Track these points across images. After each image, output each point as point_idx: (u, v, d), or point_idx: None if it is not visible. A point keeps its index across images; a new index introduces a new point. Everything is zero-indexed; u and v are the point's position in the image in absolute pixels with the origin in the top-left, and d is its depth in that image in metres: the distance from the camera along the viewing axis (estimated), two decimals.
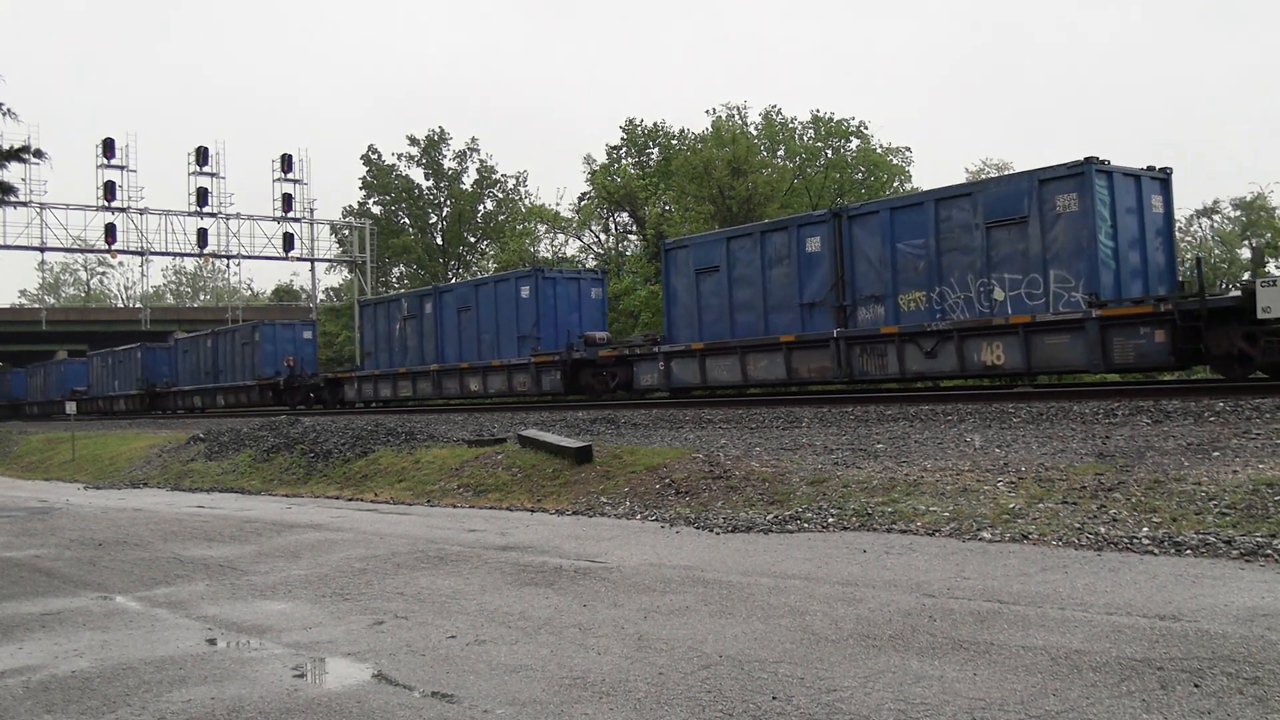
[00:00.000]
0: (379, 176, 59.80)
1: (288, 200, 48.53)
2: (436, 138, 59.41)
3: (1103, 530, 6.57)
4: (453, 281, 37.61)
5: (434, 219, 60.64)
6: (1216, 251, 47.12)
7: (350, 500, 12.77)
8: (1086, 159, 14.73)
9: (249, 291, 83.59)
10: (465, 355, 27.13)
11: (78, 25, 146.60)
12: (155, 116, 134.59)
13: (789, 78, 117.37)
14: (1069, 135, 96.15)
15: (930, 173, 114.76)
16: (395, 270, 61.04)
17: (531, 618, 5.46)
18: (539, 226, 50.00)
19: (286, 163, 48.44)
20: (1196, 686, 3.69)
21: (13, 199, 32.12)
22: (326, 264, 56.84)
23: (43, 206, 44.16)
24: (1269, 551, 5.74)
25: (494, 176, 60.31)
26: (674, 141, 47.44)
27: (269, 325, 36.66)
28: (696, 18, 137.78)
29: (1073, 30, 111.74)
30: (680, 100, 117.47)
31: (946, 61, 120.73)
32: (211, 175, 46.88)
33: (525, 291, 25.38)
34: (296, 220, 48.98)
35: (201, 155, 46.48)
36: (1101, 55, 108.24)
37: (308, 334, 37.38)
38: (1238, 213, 48.82)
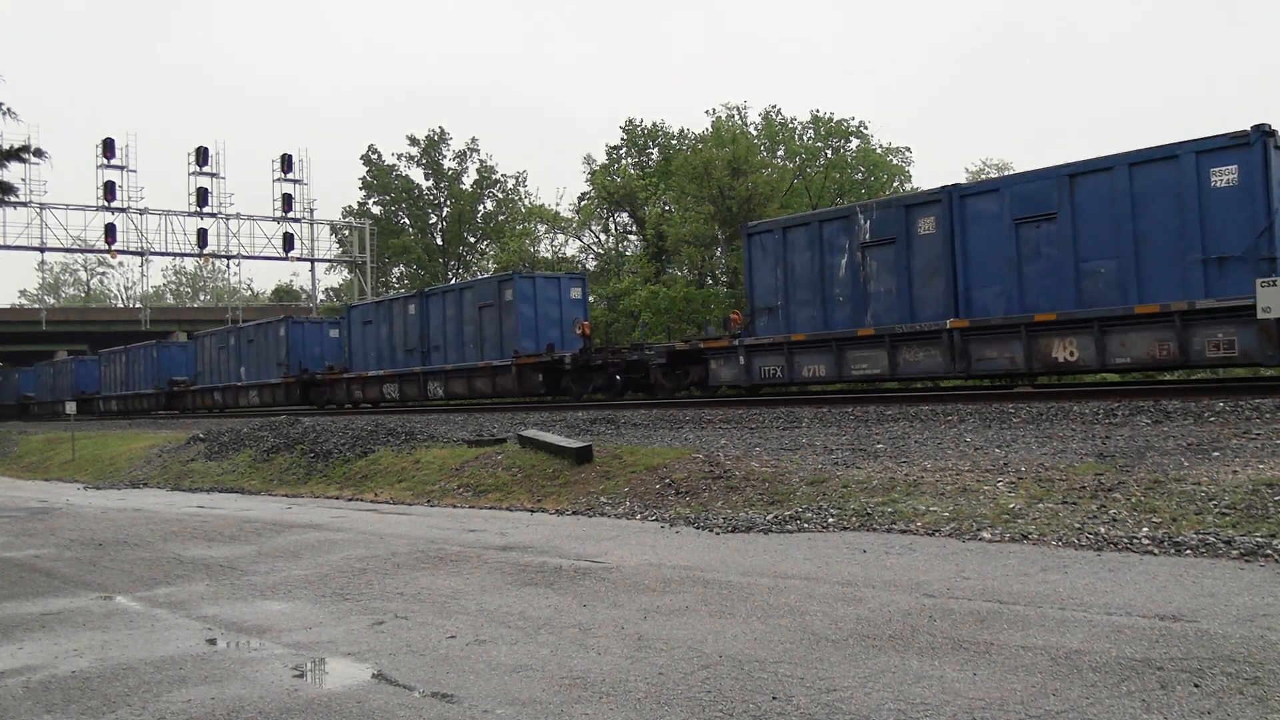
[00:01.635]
0: (379, 176, 59.86)
1: (288, 200, 48.63)
2: (436, 138, 59.46)
3: (1103, 530, 6.57)
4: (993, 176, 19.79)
5: (434, 219, 60.68)
6: None
7: (350, 500, 12.77)
8: None
9: (249, 291, 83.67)
10: (1032, 299, 15.23)
11: (78, 25, 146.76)
12: (155, 116, 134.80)
13: (789, 78, 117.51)
14: (1070, 135, 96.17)
15: (930, 173, 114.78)
16: (395, 270, 61.09)
17: (531, 618, 5.46)
18: (539, 226, 50.03)
19: (286, 163, 48.54)
20: (1196, 686, 3.69)
21: (13, 199, 32.10)
22: (326, 264, 56.91)
23: (43, 206, 44.23)
24: (1269, 551, 5.74)
25: (494, 177, 60.39)
26: (674, 142, 47.51)
27: (526, 279, 25.58)
28: (697, 18, 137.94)
29: (1073, 30, 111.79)
30: (681, 100, 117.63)
31: (948, 62, 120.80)
32: (211, 175, 47.00)
33: (1227, 176, 13.42)
34: (296, 220, 49.09)
35: (201, 155, 46.57)
36: (1102, 55, 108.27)
37: (576, 291, 26.21)
38: None
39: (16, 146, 18.97)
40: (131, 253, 47.79)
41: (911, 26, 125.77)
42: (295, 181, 48.83)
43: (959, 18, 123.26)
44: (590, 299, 30.83)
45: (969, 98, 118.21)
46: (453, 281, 32.49)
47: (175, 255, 53.47)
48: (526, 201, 57.88)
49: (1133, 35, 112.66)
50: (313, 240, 50.43)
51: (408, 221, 60.28)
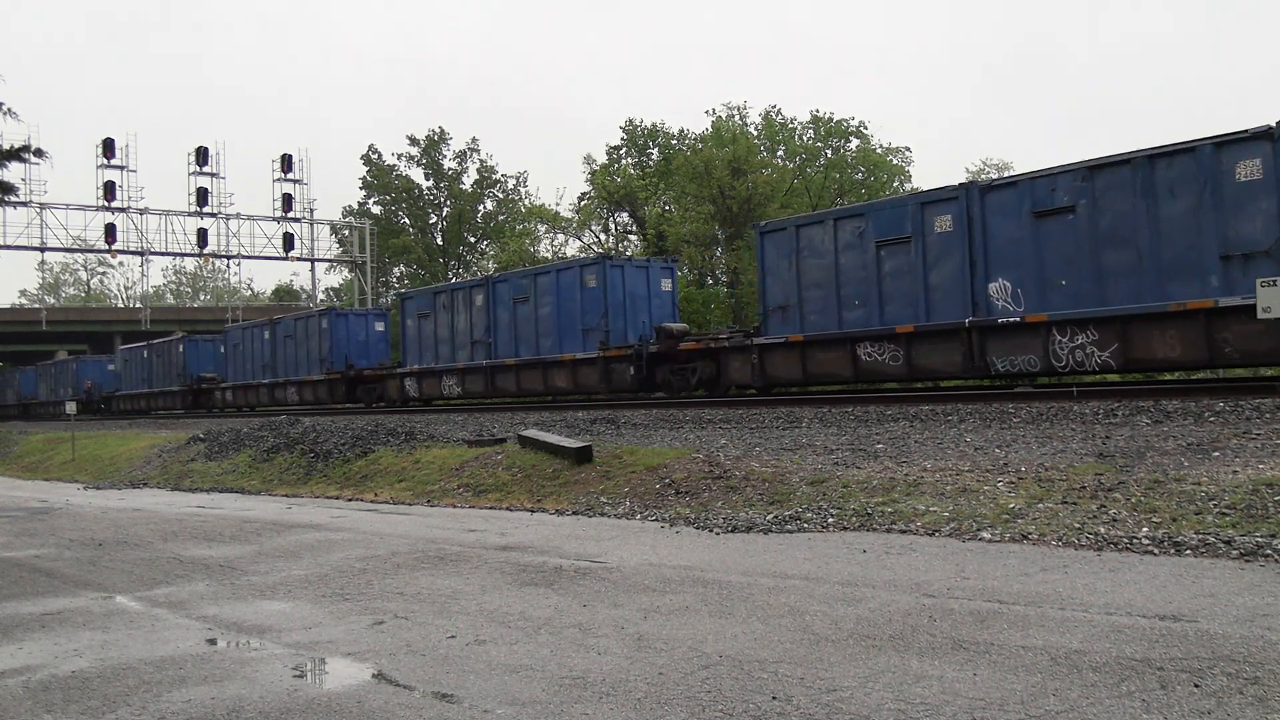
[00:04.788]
0: (379, 176, 59.88)
1: (288, 200, 48.63)
2: (436, 138, 59.48)
3: (1103, 530, 6.57)
4: None
5: (434, 219, 60.69)
6: None
7: (350, 500, 12.77)
8: None
9: (249, 291, 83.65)
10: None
11: (78, 25, 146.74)
12: (155, 117, 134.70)
13: (791, 77, 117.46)
14: (1078, 132, 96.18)
15: (930, 173, 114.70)
16: (395, 270, 61.09)
17: (531, 618, 5.46)
18: (539, 226, 50.05)
19: (286, 163, 48.54)
20: (1196, 686, 3.69)
21: (13, 199, 32.08)
22: (326, 264, 56.92)
23: (43, 206, 44.23)
24: (1269, 551, 5.74)
25: (494, 177, 60.41)
26: (674, 142, 47.53)
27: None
28: (703, 16, 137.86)
29: (1082, 32, 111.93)
30: (682, 100, 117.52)
31: (957, 60, 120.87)
32: (211, 175, 47.00)
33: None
34: (296, 220, 49.09)
35: (201, 155, 46.56)
36: (1107, 57, 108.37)
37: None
38: None
39: (16, 146, 18.91)
40: (131, 253, 47.79)
41: (911, 25, 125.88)
42: (295, 181, 48.83)
43: (960, 18, 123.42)
44: None
45: (973, 97, 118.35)
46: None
47: (175, 255, 53.44)
48: (527, 201, 57.91)
49: (1137, 36, 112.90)
50: (313, 240, 50.44)
51: (408, 221, 60.30)
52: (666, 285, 23.40)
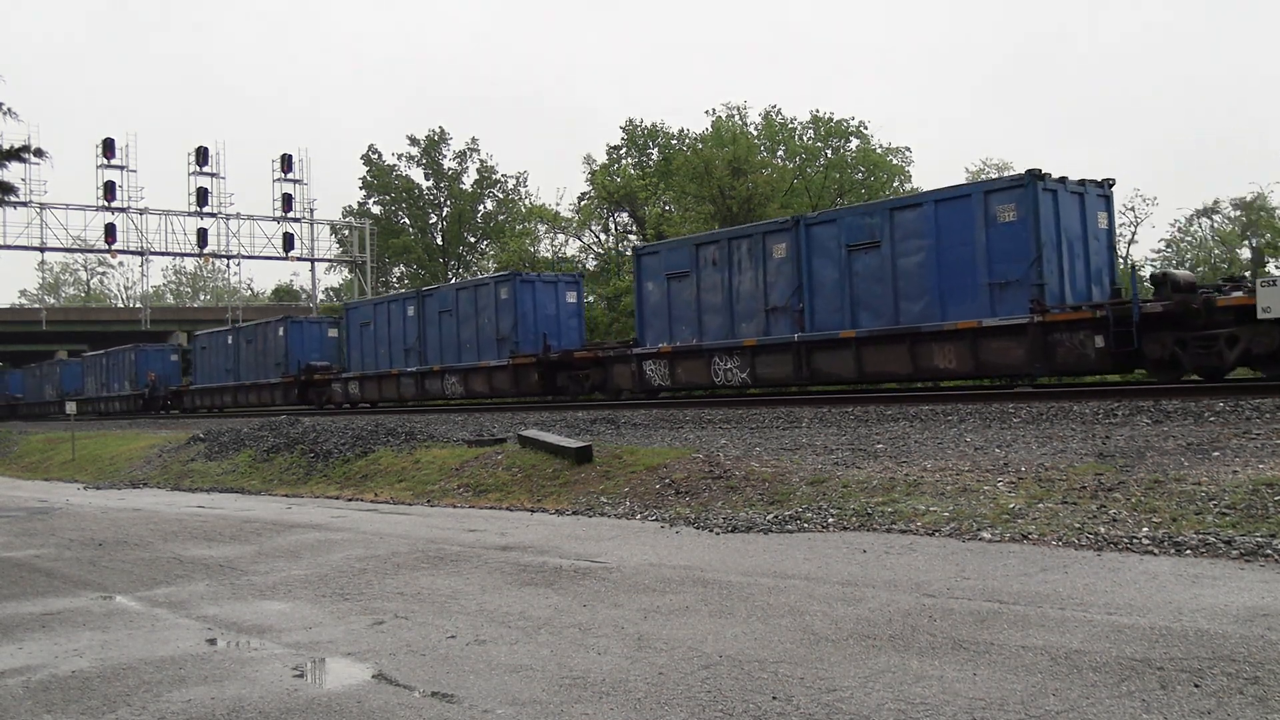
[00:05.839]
0: (379, 176, 59.89)
1: (288, 200, 48.62)
2: (436, 138, 59.51)
3: (1103, 530, 6.57)
4: None
5: (434, 219, 60.70)
6: (1217, 251, 47.22)
7: (350, 500, 12.77)
8: None
9: (249, 291, 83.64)
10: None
11: (78, 24, 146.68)
12: (155, 117, 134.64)
13: (791, 77, 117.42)
14: (1076, 136, 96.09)
15: (931, 173, 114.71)
16: (396, 270, 61.10)
17: (531, 618, 5.46)
18: (539, 226, 50.05)
19: (286, 163, 48.53)
20: (1196, 686, 3.69)
21: (13, 199, 32.07)
22: (326, 264, 56.92)
23: (43, 206, 44.22)
24: (1269, 551, 5.74)
25: (494, 177, 60.44)
26: (674, 142, 47.55)
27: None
28: (703, 19, 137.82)
29: (1083, 33, 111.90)
30: (682, 100, 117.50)
31: (962, 59, 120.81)
32: (211, 175, 46.98)
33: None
34: (296, 220, 49.08)
35: (201, 155, 46.55)
36: (1107, 57, 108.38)
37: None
38: (1238, 213, 48.91)
39: (16, 146, 18.93)
40: (131, 253, 47.78)
41: (911, 25, 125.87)
42: (295, 181, 48.82)
43: (960, 18, 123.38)
44: (590, 299, 30.25)
45: (973, 97, 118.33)
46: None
47: (175, 255, 53.44)
48: (527, 201, 57.91)
49: (1147, 38, 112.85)
50: (313, 240, 50.43)
51: (408, 221, 60.31)
52: (1103, 221, 16.42)
